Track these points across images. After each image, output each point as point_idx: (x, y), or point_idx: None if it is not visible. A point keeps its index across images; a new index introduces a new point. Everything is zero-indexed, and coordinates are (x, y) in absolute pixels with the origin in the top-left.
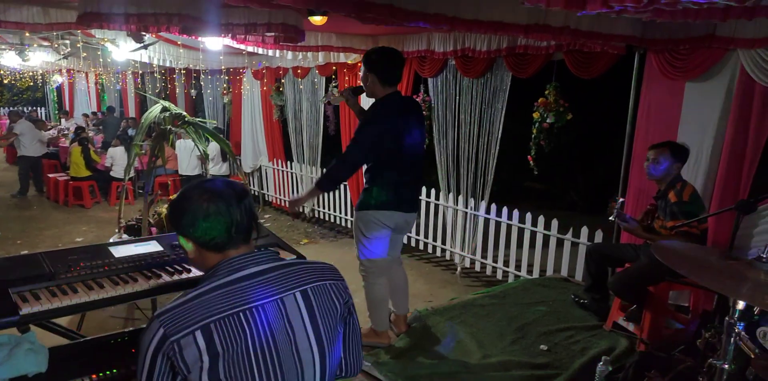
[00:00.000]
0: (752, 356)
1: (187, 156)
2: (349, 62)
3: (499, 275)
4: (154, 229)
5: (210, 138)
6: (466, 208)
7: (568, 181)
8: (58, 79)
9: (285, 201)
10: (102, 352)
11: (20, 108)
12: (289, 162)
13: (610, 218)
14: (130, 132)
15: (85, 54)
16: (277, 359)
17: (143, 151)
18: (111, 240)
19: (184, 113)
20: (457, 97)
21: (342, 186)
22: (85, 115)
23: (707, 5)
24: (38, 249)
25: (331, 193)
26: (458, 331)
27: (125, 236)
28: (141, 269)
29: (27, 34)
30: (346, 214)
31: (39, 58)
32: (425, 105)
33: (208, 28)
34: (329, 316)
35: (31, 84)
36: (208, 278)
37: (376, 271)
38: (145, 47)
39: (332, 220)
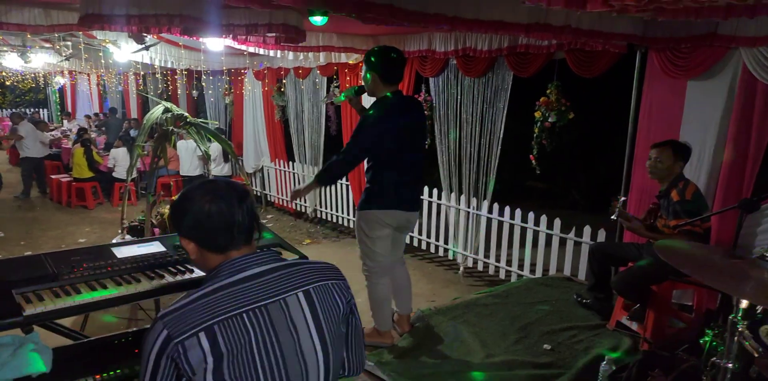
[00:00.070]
0: (756, 355)
1: (188, 157)
2: (351, 62)
3: (502, 275)
4: (156, 230)
5: (212, 138)
6: (469, 207)
7: (570, 180)
8: (60, 80)
9: (287, 201)
10: (106, 353)
11: (23, 110)
12: (291, 162)
13: (612, 217)
14: (133, 133)
15: (86, 55)
16: (281, 359)
17: (145, 152)
18: (114, 241)
19: (186, 114)
20: (459, 97)
21: (344, 186)
22: (88, 117)
23: (708, 4)
24: (41, 250)
25: (334, 194)
26: (461, 330)
27: (128, 237)
28: (144, 270)
29: (29, 36)
30: (348, 214)
31: (41, 60)
32: (426, 105)
33: (209, 28)
34: (332, 316)
35: (34, 86)
36: (210, 279)
37: (378, 271)
38: (147, 48)
39: (334, 220)
